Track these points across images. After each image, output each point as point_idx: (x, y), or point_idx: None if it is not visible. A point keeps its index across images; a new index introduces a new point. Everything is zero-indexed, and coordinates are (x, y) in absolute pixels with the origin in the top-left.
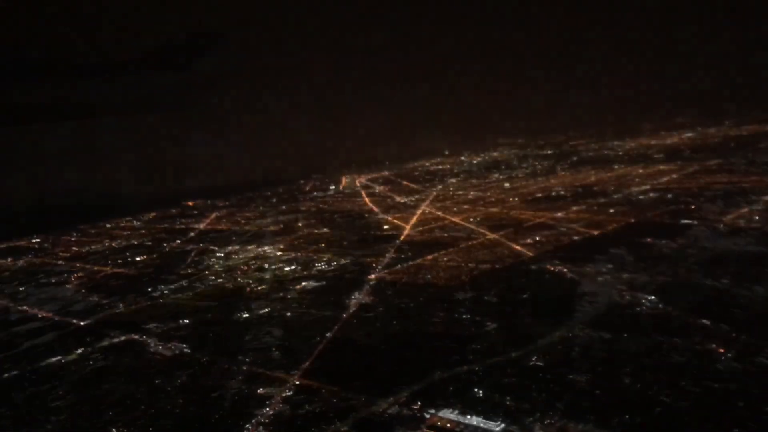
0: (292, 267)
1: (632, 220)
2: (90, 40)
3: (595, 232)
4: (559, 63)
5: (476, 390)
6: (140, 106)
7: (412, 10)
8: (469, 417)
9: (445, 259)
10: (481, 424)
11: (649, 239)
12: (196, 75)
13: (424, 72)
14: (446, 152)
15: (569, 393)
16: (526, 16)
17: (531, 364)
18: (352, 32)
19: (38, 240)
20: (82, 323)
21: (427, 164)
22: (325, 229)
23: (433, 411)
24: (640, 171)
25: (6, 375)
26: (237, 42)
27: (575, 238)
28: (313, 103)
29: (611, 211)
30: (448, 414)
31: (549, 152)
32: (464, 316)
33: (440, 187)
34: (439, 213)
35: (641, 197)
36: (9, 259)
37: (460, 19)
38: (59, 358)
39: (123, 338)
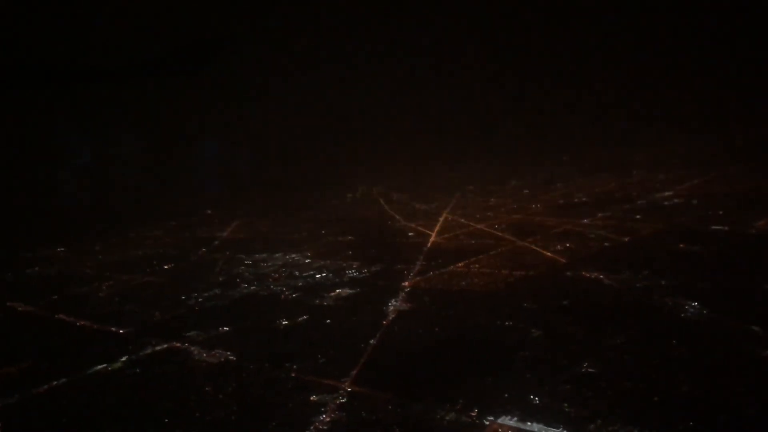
0: (323, 274)
1: (661, 226)
2: (96, 44)
3: (626, 239)
4: (566, 68)
5: (532, 397)
6: (148, 111)
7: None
8: (529, 424)
9: (477, 266)
10: (543, 431)
11: (681, 245)
12: (204, 80)
13: (432, 77)
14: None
15: (628, 399)
16: (535, 20)
17: (583, 371)
18: (360, 37)
19: (63, 249)
20: (121, 331)
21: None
22: (350, 237)
23: (491, 418)
24: (661, 177)
25: (55, 383)
26: (245, 48)
27: (606, 244)
28: (322, 109)
29: (637, 217)
30: (508, 421)
31: (563, 159)
32: (506, 323)
33: (458, 194)
34: (462, 220)
35: (666, 203)
36: (36, 269)
37: (471, 25)
38: (105, 365)
39: (165, 346)
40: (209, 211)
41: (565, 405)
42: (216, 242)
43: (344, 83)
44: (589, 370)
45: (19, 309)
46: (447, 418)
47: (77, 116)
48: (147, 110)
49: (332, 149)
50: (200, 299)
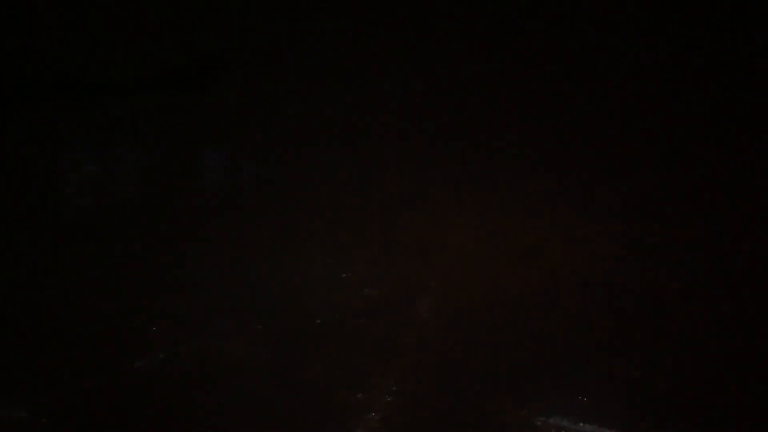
0: (350, 275)
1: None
2: (102, 60)
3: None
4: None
5: (581, 397)
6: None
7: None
8: (581, 424)
9: (499, 271)
10: (596, 431)
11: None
12: (211, 97)
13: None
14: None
15: (677, 401)
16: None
17: (627, 374)
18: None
19: (82, 250)
20: (154, 328)
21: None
22: (371, 239)
23: (542, 418)
24: None
25: (97, 379)
26: (255, 64)
27: (620, 252)
28: (332, 119)
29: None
30: (560, 421)
31: None
32: (541, 323)
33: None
34: (474, 224)
35: None
36: (60, 268)
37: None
38: (145, 362)
39: (202, 343)
40: (223, 216)
41: (615, 406)
42: (235, 244)
43: (355, 94)
44: (633, 374)
45: (50, 307)
46: (497, 418)
47: (87, 130)
48: (156, 125)
49: (342, 157)
50: (229, 299)
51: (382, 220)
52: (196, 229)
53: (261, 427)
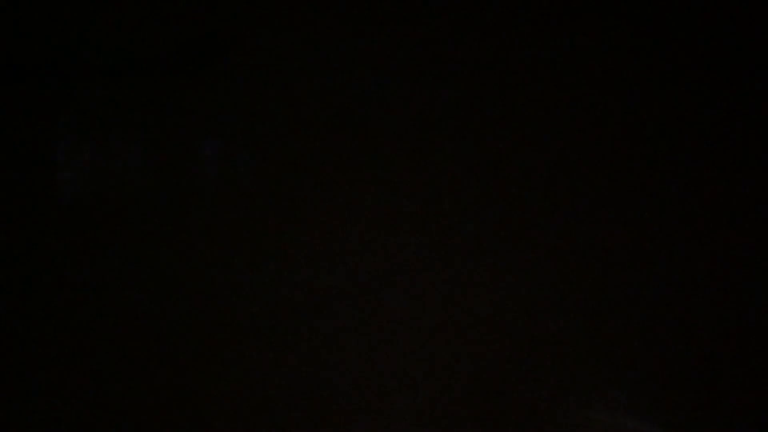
0: (355, 267)
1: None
2: (98, 39)
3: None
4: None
5: (620, 391)
6: (152, 110)
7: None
8: (622, 417)
9: (529, 264)
10: (637, 424)
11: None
12: (212, 78)
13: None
14: None
15: (713, 395)
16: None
17: (656, 371)
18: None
19: (94, 249)
20: (154, 325)
21: None
22: (377, 230)
23: (581, 410)
24: None
25: (132, 368)
26: (256, 45)
27: (649, 238)
28: (333, 109)
29: None
30: (599, 414)
31: None
32: (575, 317)
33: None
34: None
35: None
36: (73, 265)
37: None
38: (146, 360)
39: (211, 338)
40: (227, 215)
41: (651, 400)
42: (247, 244)
43: (359, 82)
44: (660, 372)
45: (63, 302)
46: (536, 412)
47: (79, 116)
48: (150, 110)
49: (340, 150)
50: (250, 294)
51: (388, 212)
52: (195, 221)
53: (296, 424)
